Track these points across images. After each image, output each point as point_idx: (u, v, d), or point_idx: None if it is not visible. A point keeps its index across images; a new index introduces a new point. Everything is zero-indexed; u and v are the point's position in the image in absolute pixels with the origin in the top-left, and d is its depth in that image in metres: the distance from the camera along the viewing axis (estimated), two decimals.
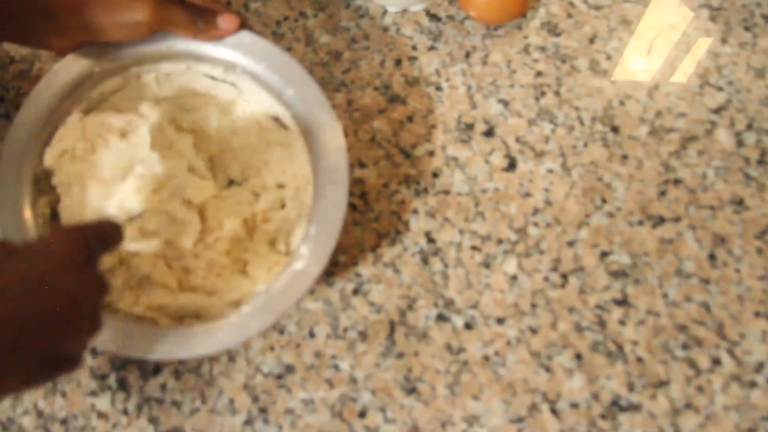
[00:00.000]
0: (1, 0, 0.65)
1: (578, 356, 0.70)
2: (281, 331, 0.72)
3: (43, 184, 0.69)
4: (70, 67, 0.70)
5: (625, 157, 0.77)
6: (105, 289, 0.55)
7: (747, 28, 0.82)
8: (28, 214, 0.66)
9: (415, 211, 0.76)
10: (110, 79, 0.72)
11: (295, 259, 0.64)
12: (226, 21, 0.70)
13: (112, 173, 0.69)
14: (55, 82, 0.69)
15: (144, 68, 0.73)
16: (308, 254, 0.64)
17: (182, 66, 0.73)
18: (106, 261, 0.67)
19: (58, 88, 0.69)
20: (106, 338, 0.63)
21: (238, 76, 0.72)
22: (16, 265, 0.49)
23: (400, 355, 0.71)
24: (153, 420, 0.70)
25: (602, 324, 0.71)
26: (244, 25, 0.72)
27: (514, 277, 0.73)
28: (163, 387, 0.71)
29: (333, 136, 0.67)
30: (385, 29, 0.84)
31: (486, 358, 0.71)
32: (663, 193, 0.75)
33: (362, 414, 0.70)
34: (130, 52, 0.71)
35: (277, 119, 0.74)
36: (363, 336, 0.72)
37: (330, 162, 0.66)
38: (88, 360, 0.72)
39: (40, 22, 0.66)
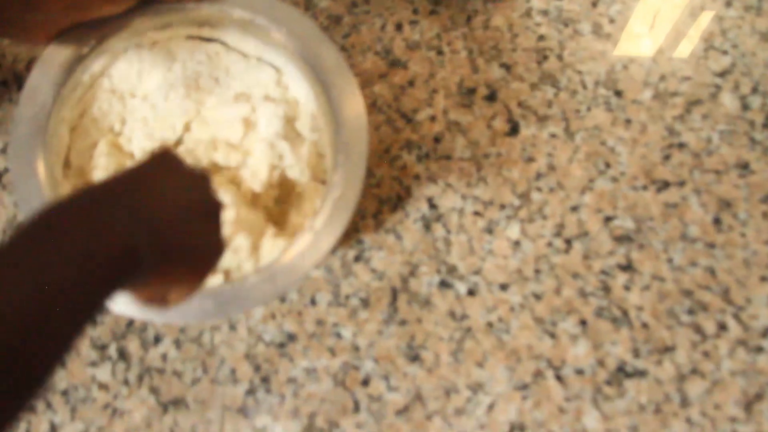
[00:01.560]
0: None
1: (583, 322, 0.70)
2: (282, 299, 0.72)
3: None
4: (59, 52, 0.68)
5: (628, 121, 0.77)
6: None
7: None
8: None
9: (417, 177, 0.76)
10: (98, 59, 0.70)
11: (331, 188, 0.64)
12: None
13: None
14: (47, 70, 0.67)
15: (131, 42, 0.71)
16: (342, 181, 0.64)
17: (167, 33, 0.72)
18: None
19: (51, 78, 0.67)
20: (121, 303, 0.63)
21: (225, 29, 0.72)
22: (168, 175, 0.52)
23: (403, 323, 0.71)
24: (154, 390, 0.70)
25: (607, 289, 0.71)
26: None
27: (517, 243, 0.73)
28: (164, 357, 0.71)
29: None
30: None
31: (489, 325, 0.71)
32: (667, 158, 0.75)
33: (365, 382, 0.70)
34: (113, 27, 0.69)
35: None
36: (365, 303, 0.72)
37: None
38: (88, 329, 0.72)
39: (22, 13, 0.64)
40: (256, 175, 0.69)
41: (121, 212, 0.44)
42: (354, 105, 0.65)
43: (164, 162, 0.53)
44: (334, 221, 0.62)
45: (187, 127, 0.71)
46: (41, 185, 0.64)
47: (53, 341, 0.39)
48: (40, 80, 0.67)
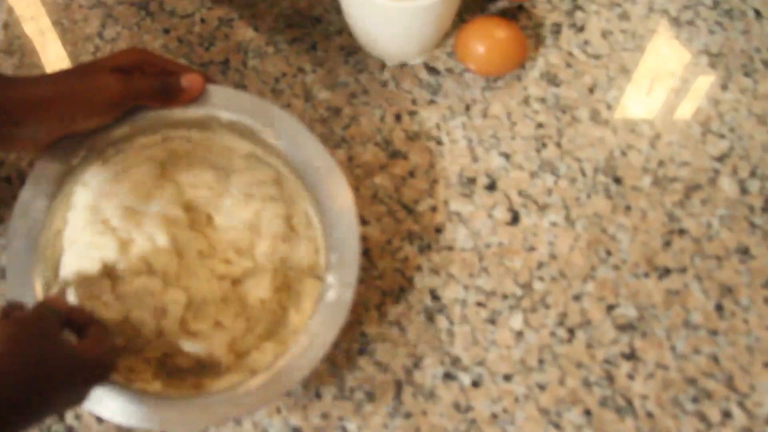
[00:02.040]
0: None
1: (587, 412, 0.71)
2: (288, 393, 0.73)
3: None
4: (49, 165, 0.69)
5: (628, 208, 0.78)
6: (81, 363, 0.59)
7: (747, 74, 0.83)
8: None
9: (419, 268, 0.77)
10: (89, 167, 0.71)
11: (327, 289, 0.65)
12: (189, 81, 0.70)
13: None
14: (38, 184, 0.69)
15: (118, 147, 0.72)
16: (337, 282, 0.65)
17: (157, 137, 0.73)
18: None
19: (43, 191, 0.69)
20: (116, 410, 0.64)
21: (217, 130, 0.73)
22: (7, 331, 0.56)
23: (408, 415, 0.72)
24: None
25: (611, 378, 0.72)
26: (208, 80, 0.72)
27: (520, 333, 0.74)
28: None
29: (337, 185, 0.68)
30: (384, 84, 0.85)
31: (494, 416, 0.71)
32: (668, 244, 0.76)
33: None
34: (102, 137, 0.70)
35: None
36: (370, 396, 0.73)
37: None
38: (94, 427, 0.72)
39: (8, 128, 0.64)
40: (262, 279, 0.70)
41: None
42: (344, 203, 0.67)
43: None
44: (329, 324, 0.63)
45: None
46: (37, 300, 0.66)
47: None
48: (33, 194, 0.68)
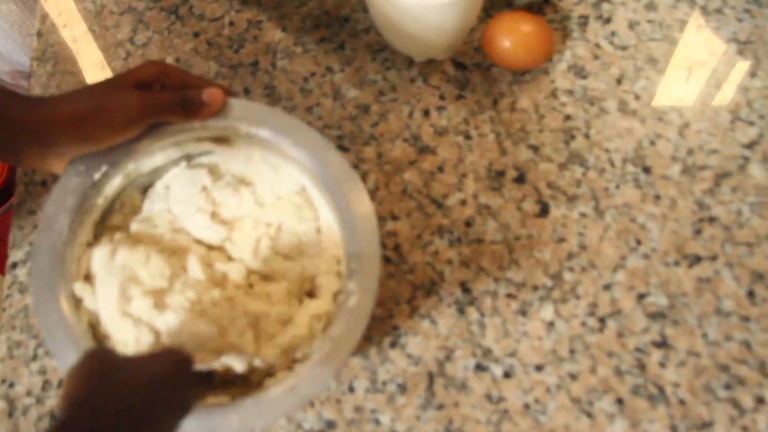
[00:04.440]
0: None
1: (619, 401, 0.72)
2: (310, 402, 0.75)
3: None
4: (72, 180, 0.71)
5: (658, 197, 0.79)
6: (186, 412, 0.61)
7: None
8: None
9: (449, 261, 0.79)
10: (111, 181, 0.73)
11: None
12: (209, 95, 0.71)
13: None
14: (62, 202, 0.71)
15: (141, 163, 0.74)
16: (357, 288, 0.66)
17: (179, 152, 0.76)
18: None
19: (66, 206, 0.70)
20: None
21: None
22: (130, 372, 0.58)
23: (440, 407, 0.74)
24: None
25: (642, 367, 0.73)
26: (228, 93, 0.73)
27: (551, 324, 0.76)
28: None
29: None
30: (412, 80, 0.87)
31: (526, 407, 0.73)
32: (698, 232, 0.77)
33: None
34: (124, 152, 0.72)
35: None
36: (402, 389, 0.75)
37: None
38: None
39: (35, 148, 0.67)
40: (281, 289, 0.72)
41: None
42: (363, 210, 0.68)
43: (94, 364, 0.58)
44: (350, 330, 0.65)
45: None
46: (64, 315, 0.68)
47: None
48: (56, 209, 0.71)
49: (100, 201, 0.73)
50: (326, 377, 0.64)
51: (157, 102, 0.69)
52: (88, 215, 0.72)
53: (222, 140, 0.75)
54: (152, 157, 0.74)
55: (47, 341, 0.66)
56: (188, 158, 0.77)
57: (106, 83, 0.70)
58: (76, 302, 0.70)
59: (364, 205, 0.68)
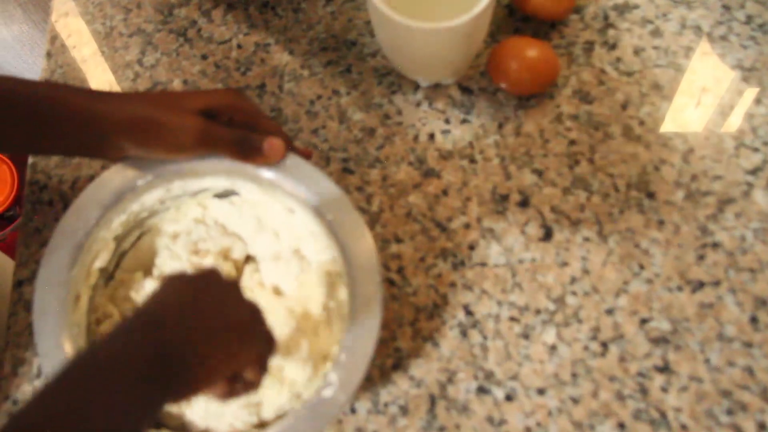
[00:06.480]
0: (60, 119, 0.68)
1: (621, 425, 0.73)
2: None
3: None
4: (115, 178, 0.73)
5: (661, 222, 0.80)
6: (272, 347, 0.64)
7: None
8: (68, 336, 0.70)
9: (453, 284, 0.80)
10: (152, 191, 0.75)
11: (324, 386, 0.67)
12: (270, 145, 0.72)
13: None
14: (99, 192, 0.73)
15: (186, 182, 0.76)
16: (337, 382, 0.67)
17: (225, 182, 0.77)
18: None
19: (102, 198, 0.73)
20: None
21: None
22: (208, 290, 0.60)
23: (442, 429, 0.75)
24: None
25: (644, 391, 0.74)
26: (291, 148, 0.74)
27: (553, 347, 0.77)
28: None
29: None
30: (418, 104, 0.89)
31: (528, 430, 0.74)
32: (701, 258, 0.79)
33: None
34: (174, 167, 0.74)
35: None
36: (404, 411, 0.76)
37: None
38: None
39: (94, 140, 0.69)
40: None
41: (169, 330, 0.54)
42: (363, 243, 0.70)
43: (206, 280, 0.61)
44: (357, 355, 0.66)
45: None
46: (62, 307, 0.70)
47: None
48: (90, 199, 0.73)
49: (136, 207, 0.75)
50: (340, 404, 0.66)
51: (215, 135, 0.70)
52: (118, 214, 0.74)
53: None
54: (201, 179, 0.76)
55: (35, 332, 0.69)
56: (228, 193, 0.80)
57: (177, 97, 0.72)
58: (76, 298, 0.72)
59: (365, 242, 0.71)
